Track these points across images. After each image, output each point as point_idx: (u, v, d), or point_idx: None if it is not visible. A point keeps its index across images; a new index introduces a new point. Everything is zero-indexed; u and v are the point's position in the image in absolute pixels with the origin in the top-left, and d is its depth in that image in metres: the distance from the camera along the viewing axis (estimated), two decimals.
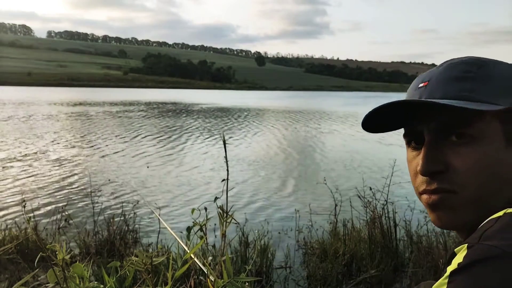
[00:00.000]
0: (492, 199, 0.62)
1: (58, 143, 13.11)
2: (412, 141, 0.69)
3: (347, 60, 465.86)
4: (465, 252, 0.51)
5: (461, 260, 0.51)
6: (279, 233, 5.38)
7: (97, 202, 5.69)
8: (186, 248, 1.72)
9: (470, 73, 0.64)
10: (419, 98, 0.66)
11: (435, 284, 0.51)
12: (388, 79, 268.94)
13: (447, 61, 0.69)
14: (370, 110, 0.69)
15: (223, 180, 1.58)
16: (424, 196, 0.66)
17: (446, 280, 0.50)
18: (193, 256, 1.58)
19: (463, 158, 0.62)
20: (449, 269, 0.51)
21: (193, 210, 1.66)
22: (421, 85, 0.68)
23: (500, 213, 0.57)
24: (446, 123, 0.63)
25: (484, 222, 0.58)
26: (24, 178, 8.31)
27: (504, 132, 0.62)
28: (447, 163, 0.63)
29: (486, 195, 0.62)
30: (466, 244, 0.52)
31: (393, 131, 0.77)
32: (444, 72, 0.66)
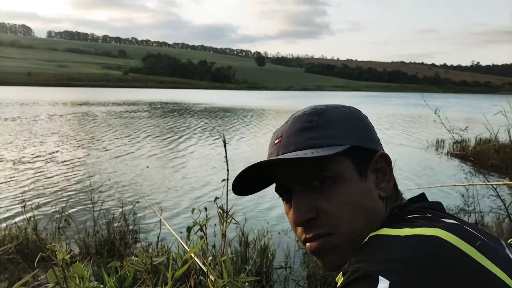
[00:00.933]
0: (365, 229, 0.66)
1: (58, 143, 13.11)
2: (284, 194, 0.73)
3: (347, 60, 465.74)
4: (341, 279, 0.57)
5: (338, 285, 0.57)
6: (279, 233, 5.39)
7: (97, 202, 5.69)
8: (187, 248, 1.72)
9: (313, 122, 0.70)
10: (277, 154, 0.71)
11: None
12: (388, 79, 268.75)
13: (292, 115, 0.75)
14: (235, 176, 0.73)
15: (223, 180, 1.58)
16: (307, 245, 0.69)
17: None
18: (193, 256, 1.58)
19: (329, 200, 0.66)
20: None
21: (193, 210, 1.66)
22: (276, 141, 0.73)
23: (366, 239, 0.63)
24: (306, 172, 0.67)
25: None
26: (24, 178, 8.31)
27: (355, 167, 0.68)
28: (317, 208, 0.67)
29: (359, 227, 0.66)
30: (342, 272, 0.58)
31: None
32: (291, 126, 0.71)
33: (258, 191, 0.77)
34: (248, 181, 0.75)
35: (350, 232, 0.66)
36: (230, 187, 1.59)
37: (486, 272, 0.53)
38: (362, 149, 0.70)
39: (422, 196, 0.72)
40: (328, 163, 0.66)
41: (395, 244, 0.56)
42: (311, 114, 0.71)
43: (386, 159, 0.72)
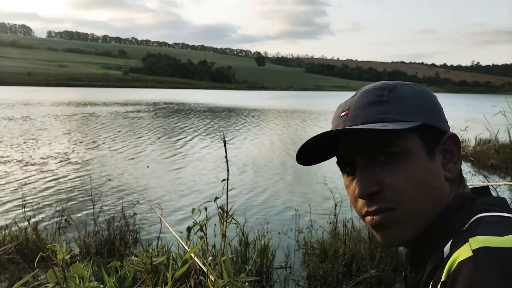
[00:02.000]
0: (428, 208, 0.66)
1: (58, 143, 13.11)
2: (346, 167, 0.73)
3: (347, 60, 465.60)
4: (470, 254, 0.52)
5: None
6: (279, 233, 5.38)
7: (97, 202, 5.69)
8: (187, 248, 1.72)
9: (383, 96, 0.69)
10: (343, 127, 0.70)
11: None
12: (388, 79, 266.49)
13: (360, 89, 0.74)
14: (301, 145, 0.73)
15: (223, 180, 1.58)
16: (368, 218, 0.69)
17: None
18: (193, 256, 1.58)
19: (394, 176, 0.66)
20: (457, 261, 0.52)
21: (193, 210, 1.66)
22: (342, 114, 0.72)
23: (470, 254, 0.54)
24: (373, 146, 0.67)
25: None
26: (24, 178, 8.30)
27: (424, 145, 0.68)
28: (381, 183, 0.66)
29: (423, 206, 0.66)
30: (467, 247, 0.53)
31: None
32: (360, 100, 0.71)
33: (320, 162, 0.77)
34: (309, 153, 0.75)
35: (414, 209, 0.66)
36: (230, 187, 1.59)
37: None
38: (432, 128, 0.69)
39: (486, 189, 0.70)
40: (397, 138, 0.66)
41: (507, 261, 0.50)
42: (381, 88, 0.71)
43: (456, 141, 0.72)
